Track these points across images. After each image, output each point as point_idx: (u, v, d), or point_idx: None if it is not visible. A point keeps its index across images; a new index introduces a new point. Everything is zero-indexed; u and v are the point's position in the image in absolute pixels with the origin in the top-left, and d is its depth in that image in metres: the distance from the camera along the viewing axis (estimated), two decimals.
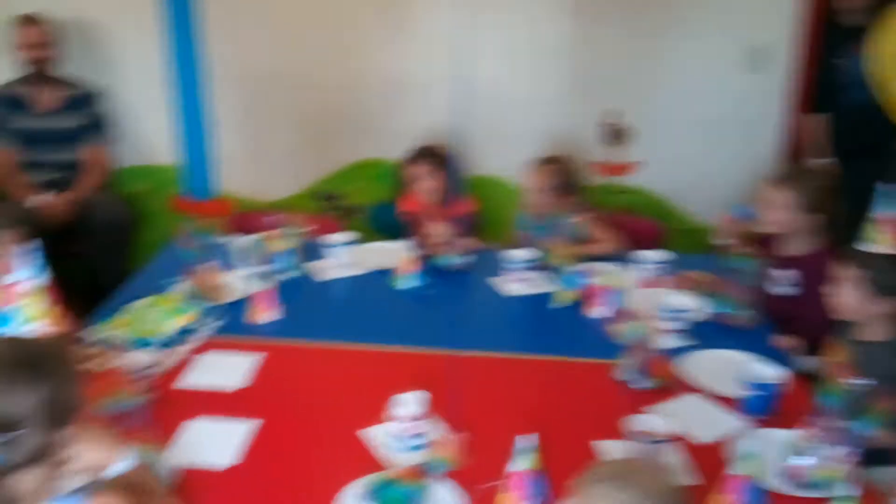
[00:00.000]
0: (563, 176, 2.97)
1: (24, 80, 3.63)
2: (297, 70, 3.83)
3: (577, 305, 2.50)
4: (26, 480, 1.26)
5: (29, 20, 3.57)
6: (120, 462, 1.43)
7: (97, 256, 3.70)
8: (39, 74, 3.60)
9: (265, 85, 3.80)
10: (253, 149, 3.91)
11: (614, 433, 1.83)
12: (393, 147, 3.85)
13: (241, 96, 3.86)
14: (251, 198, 4.07)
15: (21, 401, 1.21)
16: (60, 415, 1.26)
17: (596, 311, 2.45)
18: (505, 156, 3.82)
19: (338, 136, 3.93)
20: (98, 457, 1.41)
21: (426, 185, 3.04)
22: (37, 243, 1.30)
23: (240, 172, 4.04)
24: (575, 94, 3.70)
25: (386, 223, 3.47)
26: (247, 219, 3.25)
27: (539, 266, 2.72)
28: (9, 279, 1.27)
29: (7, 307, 1.26)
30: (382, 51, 3.71)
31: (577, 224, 2.77)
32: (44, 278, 1.28)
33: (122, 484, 1.44)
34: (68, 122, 3.67)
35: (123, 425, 1.64)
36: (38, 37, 3.57)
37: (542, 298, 2.56)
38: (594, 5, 3.59)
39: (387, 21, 3.63)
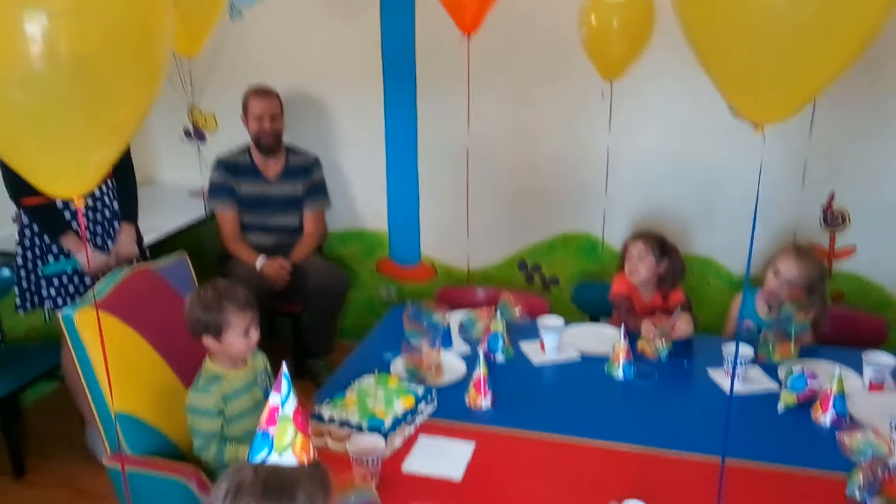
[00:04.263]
0: (814, 271, 2.84)
1: (253, 148, 3.86)
2: (509, 143, 3.91)
3: (802, 409, 2.35)
4: None
5: (264, 92, 3.78)
6: None
7: (307, 316, 3.90)
8: (268, 143, 3.80)
9: (476, 157, 3.90)
10: (459, 218, 4.01)
11: None
12: (600, 222, 3.84)
13: (450, 168, 3.99)
14: (453, 265, 4.17)
15: None
16: None
17: (823, 418, 2.29)
18: (717, 236, 3.71)
19: (544, 208, 3.97)
20: None
21: (641, 267, 2.98)
22: (287, 364, 1.36)
23: (444, 240, 4.17)
24: (795, 175, 3.53)
25: (591, 301, 3.44)
26: (456, 293, 3.30)
27: (760, 362, 2.60)
28: (272, 400, 1.32)
29: (268, 428, 1.31)
30: (597, 126, 3.71)
31: (801, 321, 2.61)
32: (293, 405, 1.33)
33: None
34: (291, 188, 3.89)
35: None
36: (271, 108, 3.77)
37: (765, 399, 2.42)
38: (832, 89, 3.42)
39: (605, 97, 3.61)
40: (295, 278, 3.74)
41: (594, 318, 3.34)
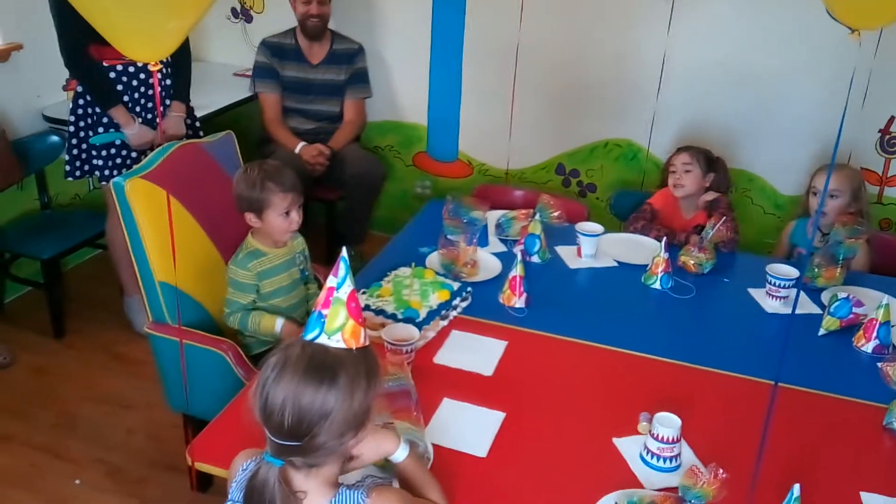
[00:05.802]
0: (853, 176, 2.84)
1: (299, 32, 3.79)
2: (560, 41, 3.78)
3: (842, 335, 2.32)
4: (313, 482, 1.33)
5: None
6: (397, 452, 1.50)
7: (342, 204, 3.90)
8: (314, 27, 3.72)
9: (523, 54, 3.80)
10: (500, 116, 3.94)
11: (884, 488, 1.71)
12: (644, 130, 3.76)
13: (495, 64, 3.89)
14: (490, 164, 4.13)
15: (317, 407, 1.26)
16: (353, 424, 1.30)
17: (865, 346, 2.26)
18: (765, 153, 3.62)
19: (589, 112, 3.87)
20: (377, 450, 1.48)
21: (686, 179, 2.92)
22: (347, 251, 1.35)
23: (482, 138, 4.10)
24: (855, 95, 3.38)
25: (628, 210, 3.39)
26: (494, 191, 3.27)
27: (804, 285, 2.54)
28: (329, 282, 1.32)
29: (323, 310, 1.31)
30: (655, 30, 3.58)
31: (850, 245, 2.56)
32: (348, 290, 1.32)
33: (399, 476, 1.52)
34: (334, 74, 3.83)
35: (393, 405, 1.71)
36: None
37: (806, 321, 2.38)
38: None
39: (662, 5, 3.49)
40: (332, 165, 3.72)
41: None
